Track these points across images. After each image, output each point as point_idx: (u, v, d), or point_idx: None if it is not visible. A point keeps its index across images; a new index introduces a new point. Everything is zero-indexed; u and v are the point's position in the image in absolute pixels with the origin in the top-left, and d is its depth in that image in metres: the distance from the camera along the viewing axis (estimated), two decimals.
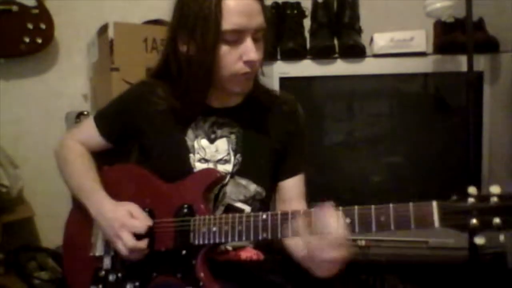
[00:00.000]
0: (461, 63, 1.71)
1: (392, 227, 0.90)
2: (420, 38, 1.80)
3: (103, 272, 1.17)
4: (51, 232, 1.30)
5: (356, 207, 0.93)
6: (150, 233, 1.10)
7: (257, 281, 1.17)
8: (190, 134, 1.18)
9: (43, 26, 2.25)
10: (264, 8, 1.11)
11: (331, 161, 1.94)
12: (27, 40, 2.23)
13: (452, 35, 1.82)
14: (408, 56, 1.80)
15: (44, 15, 2.25)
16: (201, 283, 1.06)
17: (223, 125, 1.19)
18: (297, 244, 1.08)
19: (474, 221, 0.84)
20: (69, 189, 1.26)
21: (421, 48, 1.80)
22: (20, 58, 2.30)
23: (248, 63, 1.08)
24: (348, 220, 0.93)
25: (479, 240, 0.85)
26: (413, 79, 1.89)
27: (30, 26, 2.22)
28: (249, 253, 1.15)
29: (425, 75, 1.86)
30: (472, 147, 1.61)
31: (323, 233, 0.90)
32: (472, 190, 0.86)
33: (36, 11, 2.24)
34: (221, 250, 1.15)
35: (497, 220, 0.83)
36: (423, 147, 1.87)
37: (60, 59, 2.43)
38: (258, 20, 1.07)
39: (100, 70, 2.15)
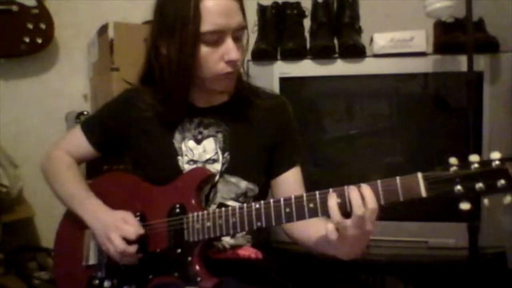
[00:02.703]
0: (461, 63, 1.71)
1: (382, 201, 0.94)
2: (420, 38, 1.80)
3: (97, 281, 1.16)
4: (51, 232, 1.29)
5: (345, 187, 0.96)
6: (142, 240, 1.10)
7: (255, 277, 1.16)
8: (177, 136, 1.19)
9: (43, 26, 2.25)
10: (242, 6, 1.10)
11: (331, 161, 1.94)
12: (27, 40, 2.23)
13: (452, 35, 1.82)
14: (408, 56, 1.80)
15: (44, 15, 2.25)
16: (198, 279, 1.06)
17: (209, 125, 1.19)
18: (313, 230, 1.08)
19: (458, 187, 0.90)
20: (60, 199, 1.25)
21: (421, 48, 1.80)
22: (20, 58, 2.30)
23: (230, 62, 1.08)
24: (339, 200, 0.95)
25: (464, 206, 0.91)
26: (413, 79, 1.88)
27: (30, 26, 2.22)
28: (247, 252, 1.15)
29: (425, 75, 1.86)
30: (472, 147, 1.61)
31: (358, 209, 0.92)
32: (453, 160, 0.92)
33: (36, 11, 2.24)
34: (219, 249, 1.15)
35: (479, 184, 0.88)
36: (423, 147, 1.87)
37: (60, 59, 2.43)
38: (237, 19, 1.07)
39: (100, 70, 2.15)
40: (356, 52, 1.84)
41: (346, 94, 1.95)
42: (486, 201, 0.89)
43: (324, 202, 0.96)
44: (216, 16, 1.04)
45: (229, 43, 1.06)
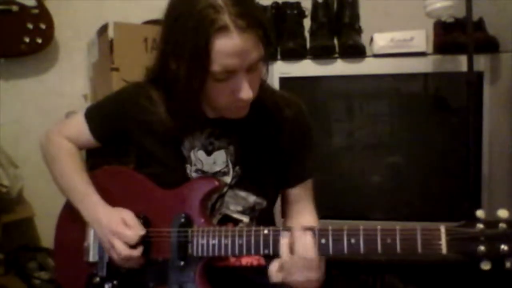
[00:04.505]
0: (461, 63, 1.71)
1: (398, 249, 0.89)
2: (420, 38, 1.80)
3: (97, 279, 1.14)
4: (51, 232, 1.28)
5: (361, 227, 0.92)
6: (144, 242, 1.07)
7: (257, 285, 1.14)
8: (186, 144, 1.13)
9: (43, 26, 2.25)
10: (263, 33, 0.97)
11: (331, 161, 1.94)
12: (27, 40, 2.23)
13: (452, 35, 1.82)
14: (408, 56, 1.80)
15: (44, 15, 2.25)
16: None
17: (221, 136, 1.13)
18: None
19: (481, 248, 0.84)
20: (59, 188, 1.21)
21: (421, 48, 1.80)
22: (20, 58, 2.30)
23: (240, 100, 0.99)
24: (353, 241, 0.92)
25: (485, 266, 0.85)
26: (413, 79, 1.88)
27: (30, 26, 2.23)
28: (250, 259, 1.12)
29: (425, 75, 1.86)
30: (472, 147, 1.61)
31: (298, 254, 0.92)
32: (480, 213, 0.85)
33: (36, 11, 2.24)
34: (221, 257, 1.10)
35: (504, 247, 0.83)
36: (423, 147, 1.87)
37: (60, 59, 2.43)
38: (253, 56, 0.96)
39: (100, 70, 2.15)
40: (356, 52, 1.84)
41: (346, 94, 1.95)
42: (508, 264, 0.84)
43: (337, 240, 0.93)
44: (227, 58, 0.93)
45: (241, 81, 0.97)
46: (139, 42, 1.93)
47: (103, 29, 2.06)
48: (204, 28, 0.91)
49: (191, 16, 0.93)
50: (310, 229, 0.95)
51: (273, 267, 0.97)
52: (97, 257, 1.16)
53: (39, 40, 2.25)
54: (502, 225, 0.83)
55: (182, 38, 0.95)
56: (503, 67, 1.73)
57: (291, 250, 0.93)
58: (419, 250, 0.87)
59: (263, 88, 1.12)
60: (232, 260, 1.11)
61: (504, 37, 1.81)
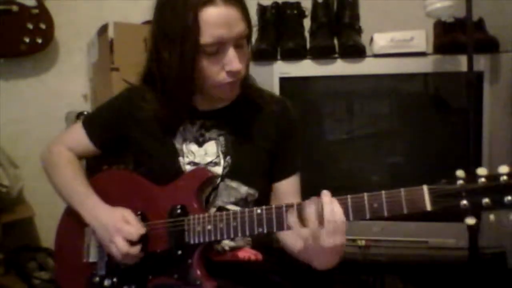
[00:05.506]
0: (461, 63, 1.71)
1: (385, 213, 0.92)
2: (420, 38, 1.80)
3: (97, 278, 1.16)
4: (51, 232, 1.29)
5: (349, 196, 0.95)
6: (143, 239, 1.10)
7: (254, 280, 1.16)
8: (178, 137, 1.18)
9: (43, 26, 2.25)
10: (245, 12, 1.06)
11: (331, 161, 1.94)
12: (27, 40, 2.23)
13: (452, 35, 1.82)
14: (408, 56, 1.80)
15: (44, 15, 2.26)
16: (198, 282, 1.06)
17: (212, 128, 1.18)
18: (293, 239, 1.10)
19: (464, 202, 0.87)
20: (60, 194, 1.24)
21: (421, 48, 1.80)
22: (20, 58, 2.30)
23: (231, 73, 1.06)
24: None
25: (470, 221, 0.88)
26: (413, 79, 1.88)
27: (30, 26, 2.23)
28: (247, 253, 1.15)
29: (425, 75, 1.86)
30: (472, 147, 1.61)
31: (321, 221, 0.93)
32: (460, 173, 0.89)
33: (36, 11, 2.24)
34: (218, 251, 1.15)
35: (486, 200, 0.86)
36: (423, 147, 1.87)
37: (60, 59, 2.43)
38: (239, 28, 1.04)
39: (100, 70, 2.15)
40: (356, 52, 1.84)
41: (346, 94, 1.95)
42: (492, 216, 0.86)
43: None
44: (216, 27, 1.01)
45: (230, 53, 1.04)
46: (139, 42, 1.92)
47: (103, 29, 2.06)
48: (192, 4, 1.01)
49: (178, 1, 1.02)
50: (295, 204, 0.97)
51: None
52: (97, 257, 1.18)
53: (39, 40, 2.25)
54: (481, 180, 0.87)
55: (172, 21, 1.03)
56: (503, 67, 1.73)
57: (319, 217, 0.93)
58: (405, 210, 0.91)
59: (250, 85, 1.20)
60: (229, 254, 1.14)
61: (504, 37, 1.81)
